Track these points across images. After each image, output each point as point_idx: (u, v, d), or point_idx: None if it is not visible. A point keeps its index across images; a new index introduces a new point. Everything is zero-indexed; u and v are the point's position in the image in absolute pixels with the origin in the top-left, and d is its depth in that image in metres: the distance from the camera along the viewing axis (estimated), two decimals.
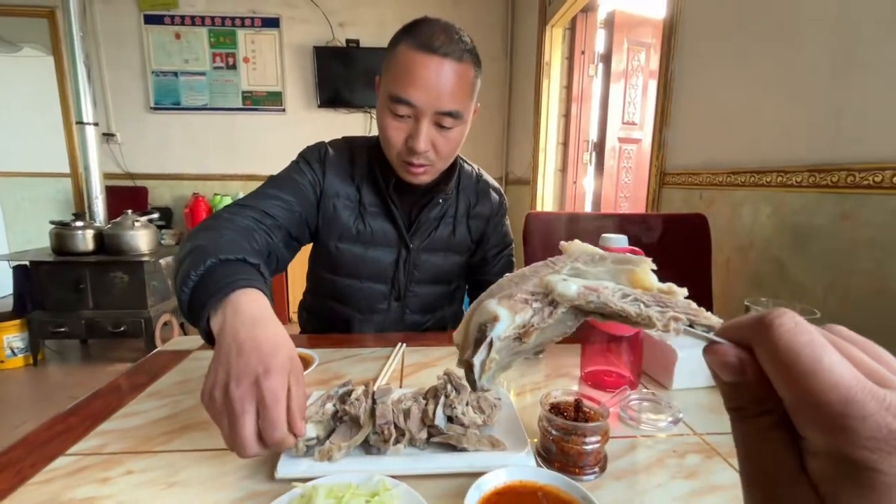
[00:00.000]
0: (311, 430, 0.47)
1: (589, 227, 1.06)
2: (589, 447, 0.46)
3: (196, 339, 0.83)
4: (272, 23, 3.46)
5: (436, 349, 0.81)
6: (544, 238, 1.04)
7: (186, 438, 0.53)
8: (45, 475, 0.46)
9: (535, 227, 1.05)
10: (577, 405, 0.50)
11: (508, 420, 0.55)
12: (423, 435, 0.50)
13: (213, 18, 3.42)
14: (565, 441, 0.46)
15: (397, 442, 0.49)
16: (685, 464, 0.49)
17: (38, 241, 2.68)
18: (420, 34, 0.73)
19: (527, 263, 1.03)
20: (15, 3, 3.24)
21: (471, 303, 1.11)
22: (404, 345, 0.80)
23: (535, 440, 0.51)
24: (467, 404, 0.53)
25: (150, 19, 3.38)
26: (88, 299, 2.44)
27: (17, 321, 2.43)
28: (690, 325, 0.24)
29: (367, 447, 0.50)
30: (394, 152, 0.80)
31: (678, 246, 1.02)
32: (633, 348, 0.66)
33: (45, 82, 3.43)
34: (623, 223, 1.05)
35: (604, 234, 0.67)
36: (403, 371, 0.72)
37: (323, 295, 0.97)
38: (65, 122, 3.33)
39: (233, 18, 3.43)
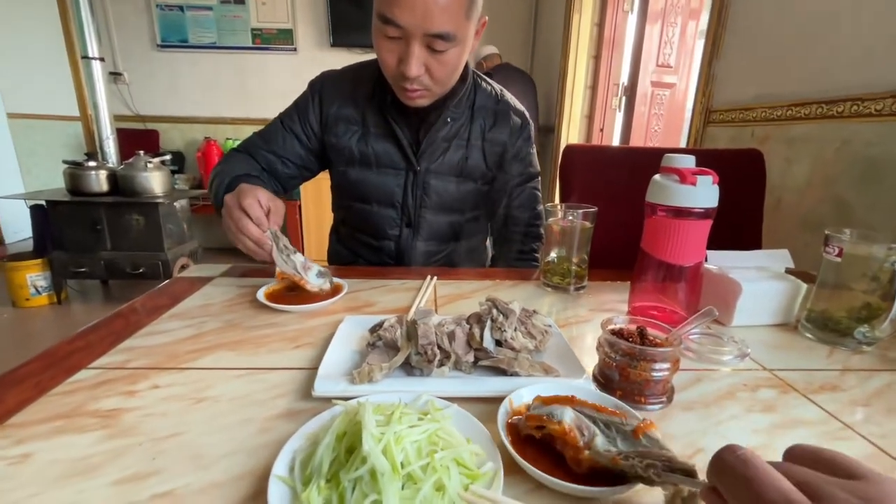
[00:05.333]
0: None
1: (632, 162, 0.98)
2: (657, 374, 0.41)
3: (216, 268, 0.79)
4: None
5: (468, 282, 0.76)
6: (584, 174, 0.96)
7: (214, 357, 0.49)
8: (67, 386, 0.43)
9: (574, 162, 0.97)
10: (642, 333, 0.45)
11: (560, 347, 0.50)
12: (470, 358, 0.46)
13: None
14: (631, 367, 0.42)
15: (442, 364, 0.45)
16: (759, 397, 0.45)
17: (54, 184, 2.66)
18: None
19: (563, 201, 0.97)
20: None
21: (495, 240, 1.05)
22: (435, 277, 0.76)
23: (589, 369, 0.47)
24: (515, 329, 0.49)
25: None
26: (106, 241, 2.44)
27: (39, 261, 2.46)
28: (670, 471, 0.28)
29: (408, 370, 0.46)
30: (389, 75, 0.75)
31: (729, 184, 0.93)
32: (692, 281, 0.60)
33: (50, 19, 3.28)
34: None
35: (667, 154, 0.60)
36: (437, 302, 0.67)
37: (343, 223, 0.99)
38: (70, 59, 3.21)
39: None
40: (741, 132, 1.23)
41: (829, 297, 0.58)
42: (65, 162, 2.41)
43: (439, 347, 0.45)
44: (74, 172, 2.37)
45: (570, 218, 0.72)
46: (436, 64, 0.71)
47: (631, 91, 2.57)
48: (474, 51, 0.77)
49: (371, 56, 0.85)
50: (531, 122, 0.94)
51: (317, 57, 3.42)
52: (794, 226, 1.05)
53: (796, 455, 0.24)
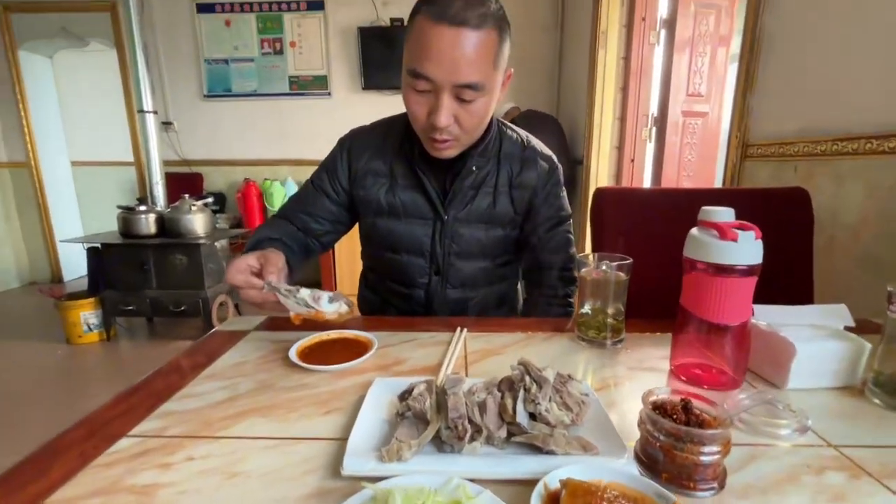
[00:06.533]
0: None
1: (666, 204, 0.95)
2: (706, 458, 0.38)
3: (251, 320, 0.81)
4: (317, 5, 3.45)
5: (499, 335, 0.74)
6: (616, 217, 0.94)
7: (247, 424, 0.50)
8: (108, 457, 0.44)
9: (605, 205, 0.95)
10: (686, 406, 0.42)
11: (598, 419, 0.47)
12: (503, 433, 0.44)
13: (260, 4, 3.46)
14: (677, 449, 0.39)
15: (473, 439, 0.43)
16: (826, 482, 0.40)
17: (108, 226, 2.85)
18: (436, 3, 0.68)
19: (594, 247, 0.95)
20: None
21: (527, 284, 1.03)
22: (465, 330, 0.75)
23: (631, 444, 0.44)
24: (550, 400, 0.46)
25: (202, 8, 3.47)
26: (152, 280, 2.58)
27: (92, 299, 2.61)
28: None
29: (438, 445, 0.44)
30: (419, 127, 0.78)
31: (775, 225, 0.89)
32: (738, 340, 0.56)
33: (112, 75, 3.62)
34: (709, 199, 0.93)
35: (705, 207, 0.58)
36: (468, 359, 0.66)
37: (372, 270, 1.02)
38: (128, 112, 3.50)
39: (279, 3, 3.45)
40: (782, 167, 1.18)
41: None
42: (119, 207, 2.59)
43: (470, 421, 0.43)
44: (127, 216, 2.54)
45: (604, 269, 0.70)
46: (464, 113, 0.74)
47: (661, 121, 2.54)
48: (501, 102, 0.79)
49: (397, 98, 0.90)
50: (559, 165, 0.94)
51: (349, 99, 3.59)
52: (851, 266, 0.98)
53: None
